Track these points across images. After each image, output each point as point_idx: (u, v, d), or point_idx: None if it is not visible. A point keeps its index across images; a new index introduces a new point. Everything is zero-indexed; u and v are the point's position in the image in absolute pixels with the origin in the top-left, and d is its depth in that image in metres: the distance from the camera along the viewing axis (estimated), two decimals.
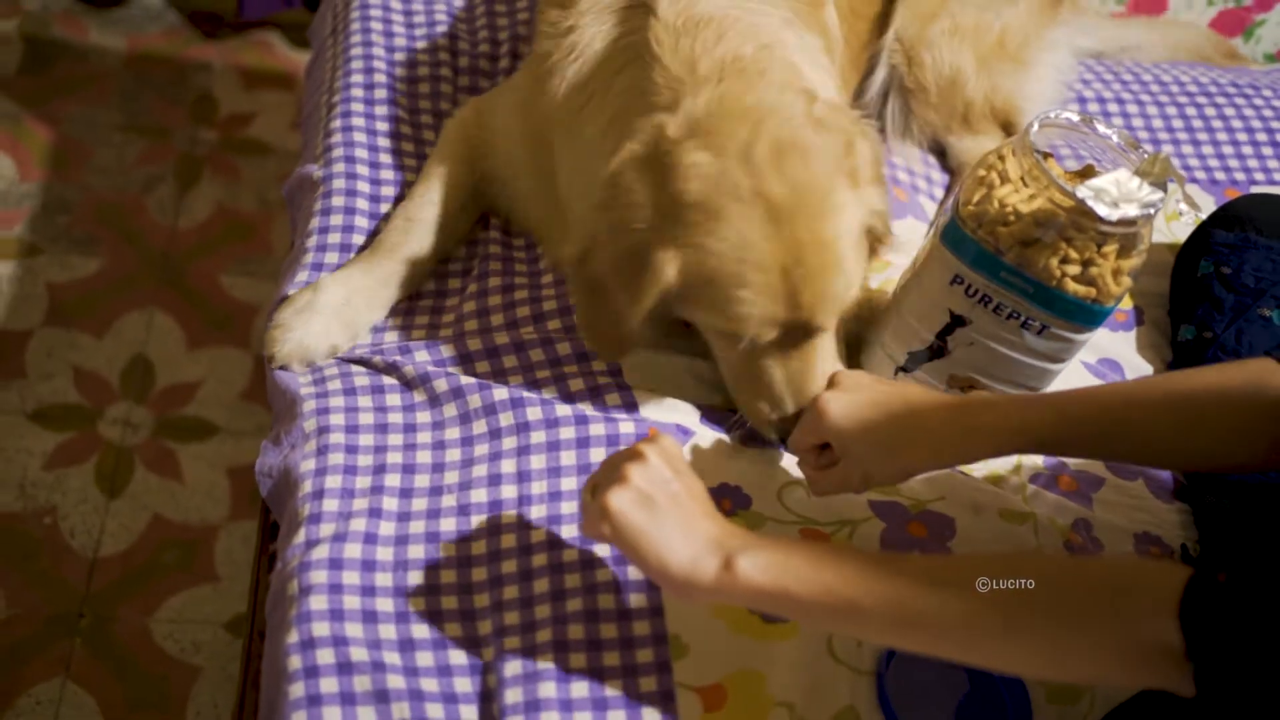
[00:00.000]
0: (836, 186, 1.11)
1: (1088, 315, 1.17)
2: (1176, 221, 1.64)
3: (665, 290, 1.12)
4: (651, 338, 1.22)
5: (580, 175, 1.27)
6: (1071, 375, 1.39)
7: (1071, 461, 1.35)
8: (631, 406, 1.30)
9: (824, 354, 1.17)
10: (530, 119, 1.37)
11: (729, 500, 1.25)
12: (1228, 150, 1.76)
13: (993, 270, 1.17)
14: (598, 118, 1.24)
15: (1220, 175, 1.73)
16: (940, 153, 1.70)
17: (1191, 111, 1.80)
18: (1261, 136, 1.77)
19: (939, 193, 1.65)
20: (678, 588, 1.01)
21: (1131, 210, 1.12)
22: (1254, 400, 1.03)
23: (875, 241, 1.18)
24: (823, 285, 1.10)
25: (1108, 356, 1.45)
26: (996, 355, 1.21)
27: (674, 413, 1.30)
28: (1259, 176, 1.73)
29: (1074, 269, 1.14)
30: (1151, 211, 1.13)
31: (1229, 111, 1.80)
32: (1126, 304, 1.52)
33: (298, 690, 1.06)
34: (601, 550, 1.19)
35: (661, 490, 1.01)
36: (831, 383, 1.15)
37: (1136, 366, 1.46)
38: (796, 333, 1.14)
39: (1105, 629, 0.88)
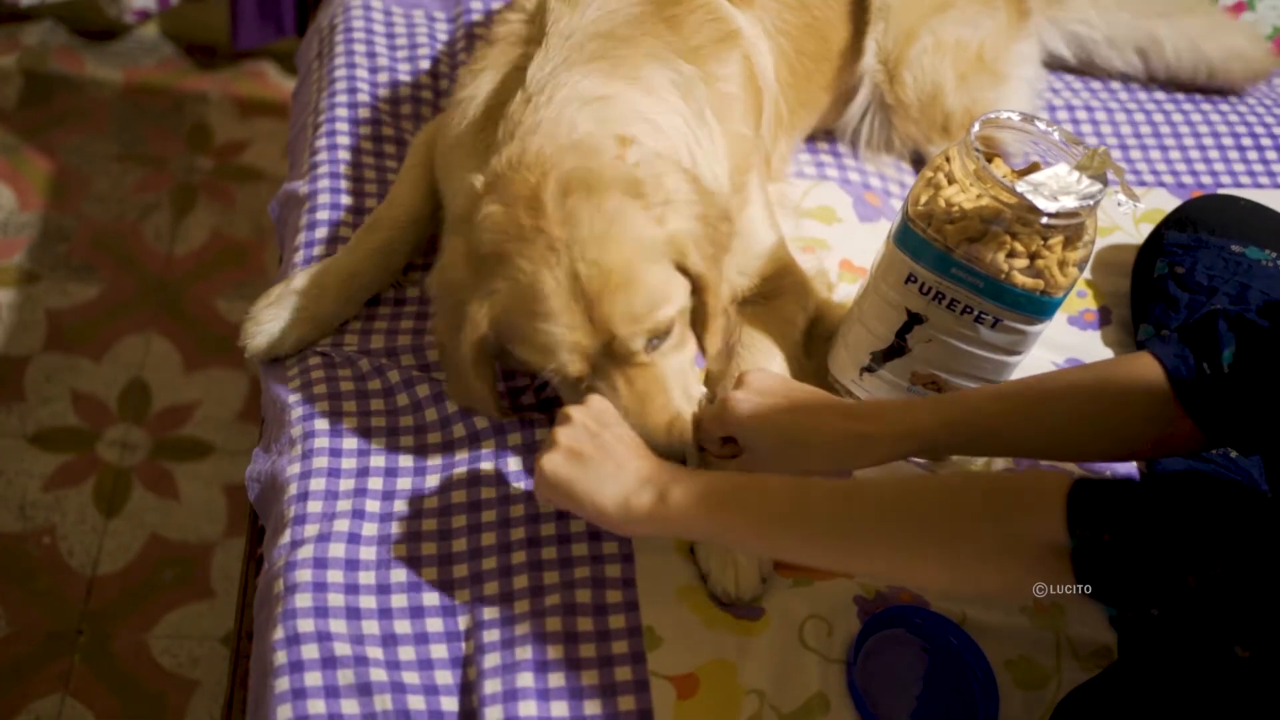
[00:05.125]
0: (626, 213, 1.15)
1: (1038, 306, 1.20)
2: (1147, 223, 1.67)
3: (481, 338, 1.18)
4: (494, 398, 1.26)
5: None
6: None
7: (1043, 461, 1.38)
8: None
9: (660, 384, 1.19)
10: (443, 144, 1.44)
11: None
12: (1195, 155, 1.80)
13: (943, 267, 1.21)
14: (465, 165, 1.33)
15: (1188, 179, 1.77)
16: (917, 161, 1.74)
17: (1159, 118, 1.84)
18: (1228, 141, 1.81)
19: None
20: (616, 524, 1.10)
21: (1070, 202, 1.16)
22: (1125, 396, 1.10)
23: (697, 279, 1.20)
24: (611, 306, 1.13)
25: (1075, 356, 1.49)
26: (954, 350, 1.25)
27: None
28: (1225, 180, 1.77)
29: (1021, 262, 1.17)
30: (1090, 203, 1.17)
31: (1195, 117, 1.85)
32: (1093, 304, 1.56)
33: (283, 684, 1.10)
34: (578, 548, 1.22)
35: (589, 443, 1.10)
36: (740, 382, 1.20)
37: None
38: (619, 360, 1.17)
39: (996, 531, 0.95)
